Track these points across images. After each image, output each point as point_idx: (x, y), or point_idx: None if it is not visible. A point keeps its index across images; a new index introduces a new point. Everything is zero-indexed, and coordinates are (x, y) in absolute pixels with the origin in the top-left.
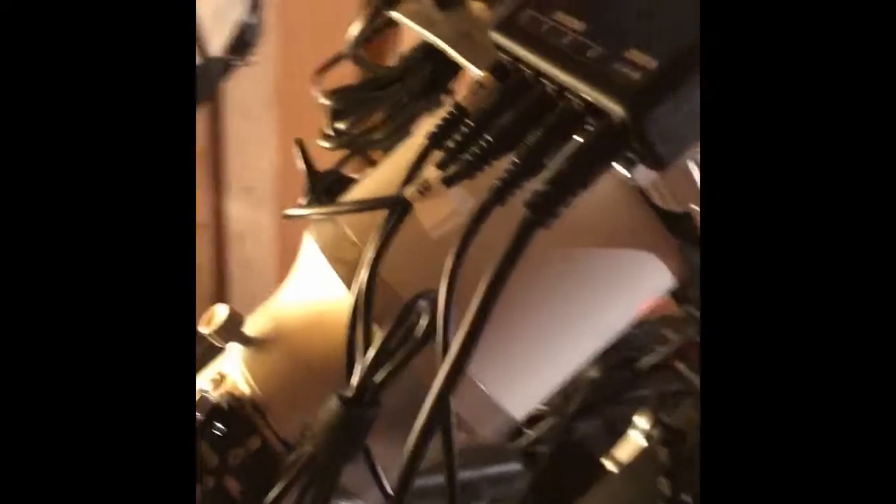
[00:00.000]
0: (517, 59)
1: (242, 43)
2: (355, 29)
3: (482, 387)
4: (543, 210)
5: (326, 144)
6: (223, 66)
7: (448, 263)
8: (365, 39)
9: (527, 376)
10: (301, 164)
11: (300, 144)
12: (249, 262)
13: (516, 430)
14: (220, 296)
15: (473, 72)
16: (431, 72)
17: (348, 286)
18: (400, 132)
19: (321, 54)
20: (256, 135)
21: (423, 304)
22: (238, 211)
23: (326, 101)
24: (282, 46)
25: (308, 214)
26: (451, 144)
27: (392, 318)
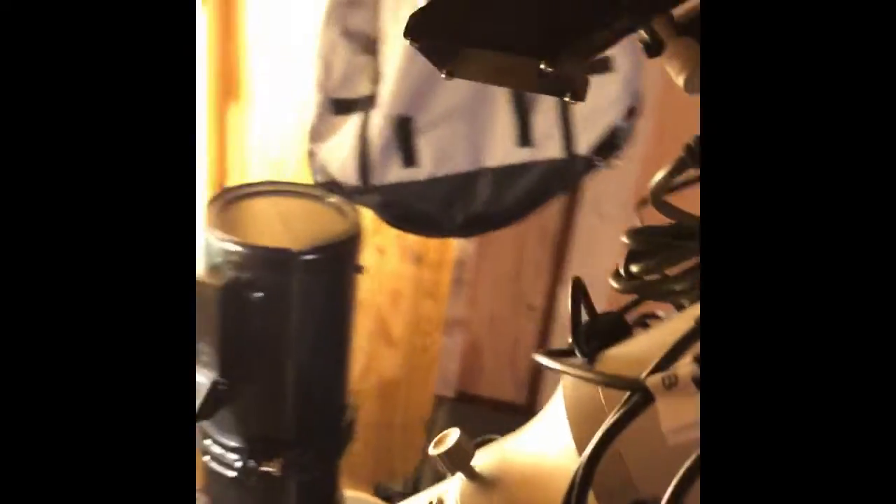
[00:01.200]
0: None
1: (610, 145)
2: (659, 175)
3: None
4: None
5: (615, 285)
6: (587, 164)
7: (674, 482)
8: (672, 188)
9: None
10: (569, 305)
11: (576, 284)
12: None
13: None
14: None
15: None
16: None
17: (580, 451)
18: (697, 291)
19: None
20: (605, 233)
21: None
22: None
23: (625, 240)
24: (647, 152)
25: (552, 368)
26: None
27: (618, 501)
